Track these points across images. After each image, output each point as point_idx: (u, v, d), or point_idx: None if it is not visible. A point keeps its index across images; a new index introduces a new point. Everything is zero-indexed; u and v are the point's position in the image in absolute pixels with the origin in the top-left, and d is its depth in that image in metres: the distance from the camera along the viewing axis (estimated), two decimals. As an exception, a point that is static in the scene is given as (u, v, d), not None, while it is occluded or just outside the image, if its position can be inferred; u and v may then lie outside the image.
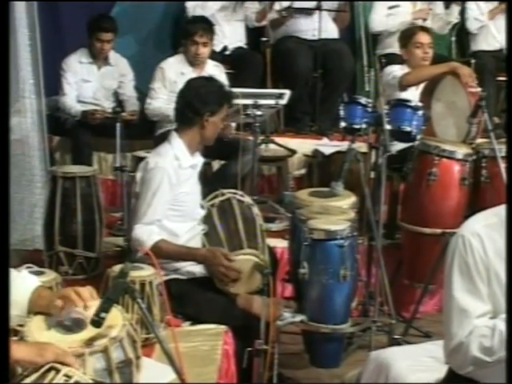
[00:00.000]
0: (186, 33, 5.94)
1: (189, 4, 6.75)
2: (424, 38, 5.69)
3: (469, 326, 2.47)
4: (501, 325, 2.42)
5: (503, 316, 2.43)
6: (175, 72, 5.91)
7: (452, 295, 2.52)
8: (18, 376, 2.31)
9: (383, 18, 6.96)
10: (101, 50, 6.17)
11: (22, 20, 4.95)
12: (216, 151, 4.97)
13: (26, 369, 2.30)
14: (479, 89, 5.06)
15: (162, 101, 5.88)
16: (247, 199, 4.22)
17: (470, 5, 7.19)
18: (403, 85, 5.46)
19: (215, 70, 5.98)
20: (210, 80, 4.21)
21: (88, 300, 2.54)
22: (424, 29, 5.86)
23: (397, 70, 5.58)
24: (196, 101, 3.97)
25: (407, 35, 5.77)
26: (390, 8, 6.98)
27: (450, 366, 2.62)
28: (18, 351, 2.28)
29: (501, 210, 2.54)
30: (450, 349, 2.54)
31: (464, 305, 2.49)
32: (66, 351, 2.32)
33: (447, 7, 7.12)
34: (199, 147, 4.08)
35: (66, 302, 2.54)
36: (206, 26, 5.92)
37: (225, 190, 4.21)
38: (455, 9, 7.04)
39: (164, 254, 3.73)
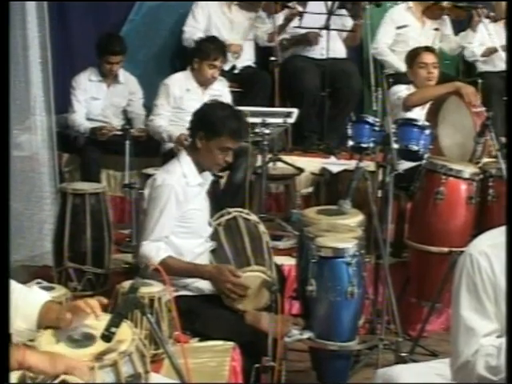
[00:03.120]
0: (202, 53, 5.89)
1: (186, 28, 6.83)
2: (428, 58, 5.69)
3: (475, 345, 2.49)
4: None
5: None
6: (180, 88, 5.92)
7: (459, 314, 2.54)
8: (27, 387, 2.34)
9: (386, 48, 7.02)
10: (110, 70, 6.21)
11: (34, 39, 5.00)
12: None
13: (36, 382, 2.33)
14: (483, 108, 5.09)
15: (165, 117, 5.91)
16: (253, 217, 4.23)
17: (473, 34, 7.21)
18: (407, 105, 5.47)
19: (219, 85, 6.03)
20: (224, 107, 4.10)
21: (96, 308, 2.56)
22: (428, 49, 5.86)
23: (402, 91, 5.58)
24: (196, 118, 4.01)
25: (412, 55, 5.79)
26: (399, 28, 7.03)
27: (457, 384, 2.64)
28: (30, 358, 2.31)
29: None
30: (456, 367, 2.55)
31: (471, 323, 2.51)
32: (78, 364, 2.34)
33: (462, 30, 7.17)
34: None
35: (75, 313, 2.56)
36: (223, 49, 5.94)
37: (231, 209, 4.23)
38: (470, 34, 7.08)
39: (171, 270, 3.68)
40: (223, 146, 3.93)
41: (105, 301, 2.65)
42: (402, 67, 6.19)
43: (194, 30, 6.78)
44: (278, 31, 6.76)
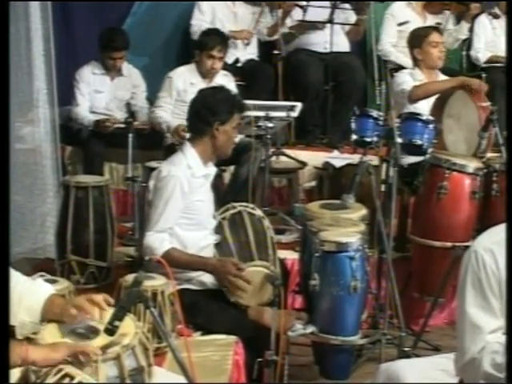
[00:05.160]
0: (201, 45, 5.91)
1: (194, 21, 6.79)
2: (438, 37, 5.67)
3: (481, 342, 2.48)
4: None
5: None
6: (184, 81, 5.92)
7: (465, 311, 2.53)
8: (31, 382, 2.33)
9: (391, 48, 7.00)
10: (113, 65, 6.20)
11: (38, 31, 4.99)
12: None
13: (40, 376, 2.33)
14: (489, 103, 5.08)
15: (166, 110, 5.89)
16: (258, 212, 4.23)
17: (476, 36, 7.18)
18: (412, 99, 5.46)
19: (224, 80, 5.99)
20: (219, 89, 4.22)
21: (101, 303, 2.56)
22: (436, 29, 5.85)
23: (406, 82, 5.52)
24: (204, 110, 3.99)
25: (421, 35, 5.68)
26: (400, 24, 7.01)
27: (463, 380, 2.63)
28: (32, 352, 2.31)
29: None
30: (462, 364, 2.55)
31: (476, 320, 2.50)
32: (81, 348, 2.35)
33: (458, 23, 7.16)
34: (213, 157, 4.09)
35: (79, 309, 2.56)
36: (223, 40, 5.91)
37: (236, 203, 4.23)
38: (464, 26, 7.07)
39: (174, 262, 3.67)
40: (236, 124, 4.06)
41: (110, 299, 2.64)
42: (409, 64, 6.10)
43: (201, 22, 6.75)
44: (279, 24, 6.74)
